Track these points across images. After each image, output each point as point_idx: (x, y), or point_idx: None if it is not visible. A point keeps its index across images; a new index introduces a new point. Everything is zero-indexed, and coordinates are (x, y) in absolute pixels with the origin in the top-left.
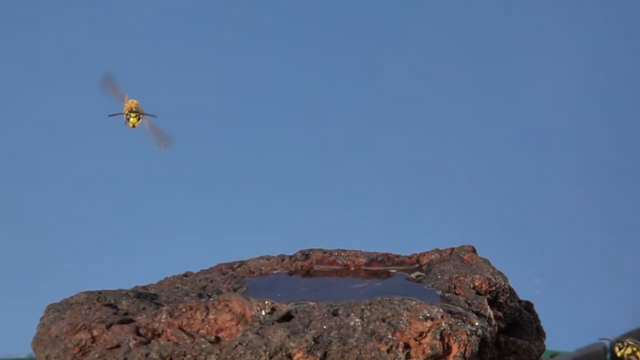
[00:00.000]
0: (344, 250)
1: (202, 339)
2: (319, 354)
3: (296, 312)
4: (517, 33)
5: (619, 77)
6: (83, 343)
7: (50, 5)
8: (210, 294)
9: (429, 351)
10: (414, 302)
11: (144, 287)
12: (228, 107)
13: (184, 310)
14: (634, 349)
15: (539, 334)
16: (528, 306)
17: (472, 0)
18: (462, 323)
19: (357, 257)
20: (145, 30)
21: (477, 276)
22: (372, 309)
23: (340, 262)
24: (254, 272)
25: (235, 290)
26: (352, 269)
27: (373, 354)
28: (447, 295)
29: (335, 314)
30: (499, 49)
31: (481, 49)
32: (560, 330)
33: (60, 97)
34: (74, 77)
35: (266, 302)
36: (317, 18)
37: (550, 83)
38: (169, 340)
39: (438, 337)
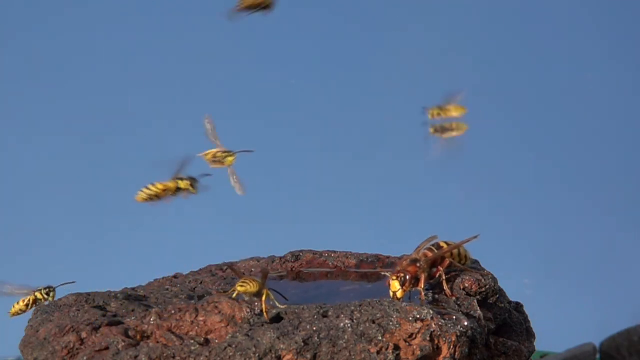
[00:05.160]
0: (334, 252)
1: (192, 341)
2: (308, 356)
3: (286, 314)
4: (517, 34)
5: (605, 78)
6: (71, 345)
7: None
8: (200, 295)
9: (418, 352)
10: (404, 304)
11: (133, 289)
12: (218, 107)
13: (173, 312)
14: None
15: (529, 334)
16: (518, 307)
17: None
18: (452, 324)
19: (347, 258)
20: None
21: (467, 277)
22: (362, 311)
23: (330, 263)
24: (244, 274)
25: (225, 292)
26: (343, 270)
27: (363, 356)
28: (437, 296)
29: (325, 315)
30: (495, 50)
31: (478, 49)
32: (550, 331)
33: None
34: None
35: (256, 303)
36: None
37: (542, 82)
38: (158, 342)
39: (428, 338)
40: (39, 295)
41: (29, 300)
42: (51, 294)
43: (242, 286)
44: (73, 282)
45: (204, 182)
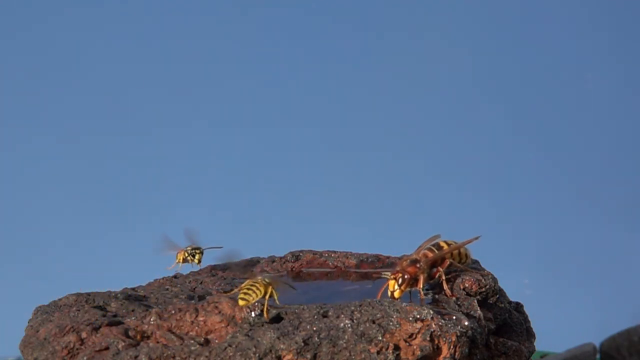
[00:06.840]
0: (334, 252)
1: (192, 341)
2: (308, 356)
3: (286, 314)
4: (517, 34)
5: (606, 78)
6: (71, 345)
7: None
8: (200, 295)
9: (418, 352)
10: (404, 304)
11: (133, 289)
12: (219, 106)
13: (173, 312)
14: None
15: (529, 334)
16: (518, 307)
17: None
18: (452, 324)
19: (347, 258)
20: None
21: (467, 277)
22: (362, 311)
23: (330, 263)
24: (249, 275)
25: (225, 292)
26: (343, 270)
27: (363, 356)
28: (437, 296)
29: (325, 315)
30: (496, 50)
31: (478, 49)
32: (550, 331)
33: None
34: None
35: (255, 303)
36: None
37: (542, 82)
38: (158, 342)
39: (428, 338)
40: (186, 255)
41: (179, 259)
42: (197, 256)
43: (243, 299)
44: (220, 246)
45: None
